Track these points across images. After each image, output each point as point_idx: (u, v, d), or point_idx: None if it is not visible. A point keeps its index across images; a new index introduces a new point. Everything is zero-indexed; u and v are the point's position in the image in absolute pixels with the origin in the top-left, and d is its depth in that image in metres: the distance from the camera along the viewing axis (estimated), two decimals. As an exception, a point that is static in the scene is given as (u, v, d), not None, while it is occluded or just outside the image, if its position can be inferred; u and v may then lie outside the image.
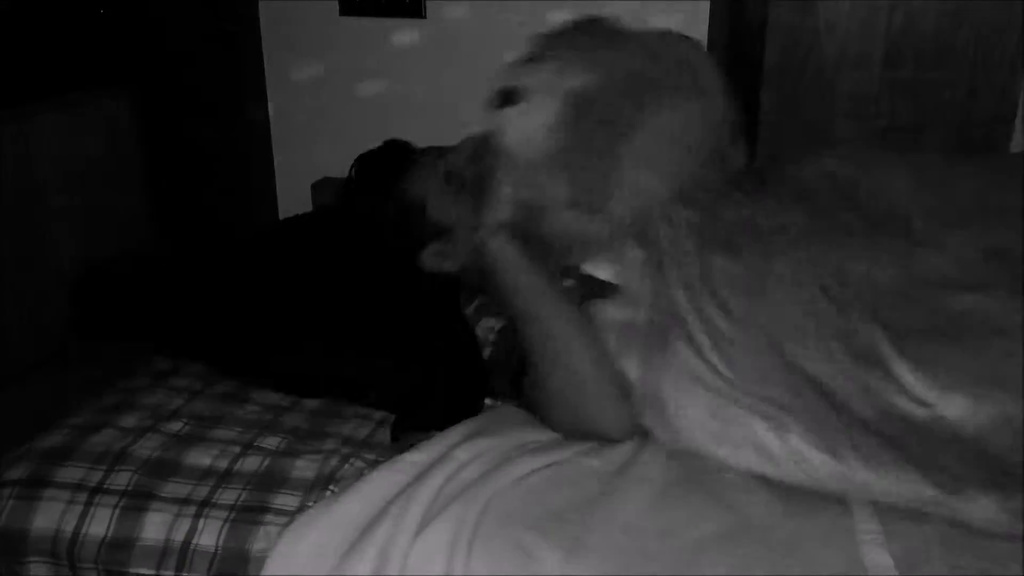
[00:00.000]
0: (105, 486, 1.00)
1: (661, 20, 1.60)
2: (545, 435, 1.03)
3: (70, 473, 1.01)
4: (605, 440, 1.00)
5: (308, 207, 1.79)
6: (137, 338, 1.21)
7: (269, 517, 0.97)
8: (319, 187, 1.85)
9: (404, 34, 1.76)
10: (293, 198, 1.90)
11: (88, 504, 0.99)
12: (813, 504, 0.88)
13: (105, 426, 1.09)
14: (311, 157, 1.89)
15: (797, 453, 0.89)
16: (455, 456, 0.96)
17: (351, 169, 1.34)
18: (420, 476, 0.95)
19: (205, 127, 1.94)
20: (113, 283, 1.23)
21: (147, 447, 1.05)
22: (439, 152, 1.28)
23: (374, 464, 1.02)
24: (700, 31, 1.60)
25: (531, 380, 1.06)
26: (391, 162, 1.29)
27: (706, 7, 1.59)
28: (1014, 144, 1.66)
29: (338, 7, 1.77)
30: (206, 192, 1.98)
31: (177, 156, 1.96)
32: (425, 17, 1.73)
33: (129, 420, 1.11)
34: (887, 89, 1.70)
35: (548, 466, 0.95)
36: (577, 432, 1.01)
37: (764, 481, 0.91)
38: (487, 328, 1.16)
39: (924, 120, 1.70)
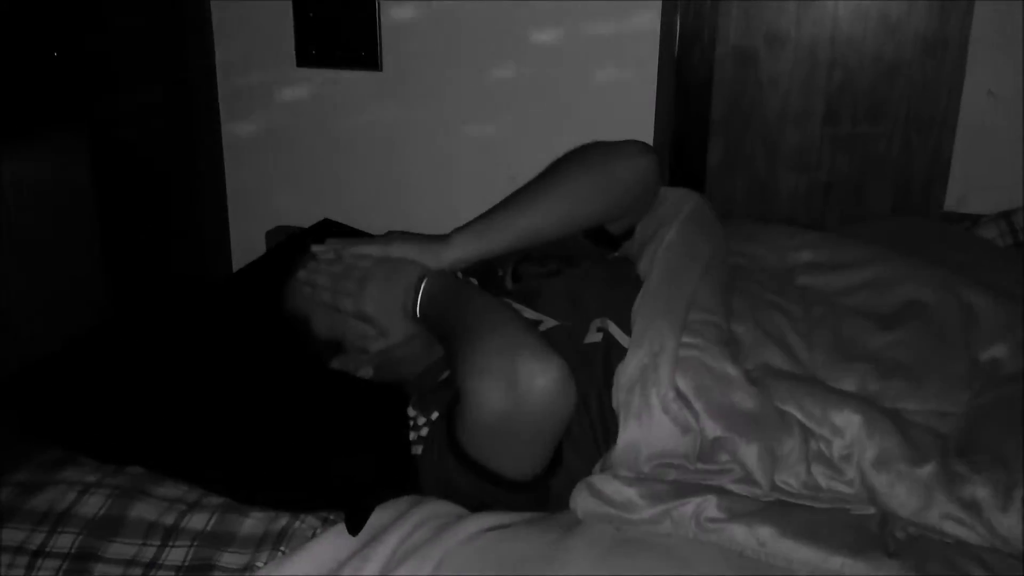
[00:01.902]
0: (48, 549, 0.99)
1: (611, 77, 1.65)
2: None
3: (10, 535, 0.99)
4: (541, 393, 0.89)
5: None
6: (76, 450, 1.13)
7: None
8: (273, 235, 1.85)
9: (360, 86, 1.78)
10: (247, 245, 1.90)
11: (29, 568, 0.97)
12: (759, 562, 0.90)
13: (49, 484, 1.07)
14: (265, 205, 1.90)
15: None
16: (409, 517, 0.97)
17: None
18: (375, 537, 0.95)
19: (159, 172, 1.94)
20: (44, 394, 1.15)
21: (91, 504, 1.04)
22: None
23: (325, 522, 1.02)
24: (648, 88, 1.65)
25: (463, 363, 0.94)
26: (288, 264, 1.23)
27: (654, 64, 1.64)
28: (948, 200, 1.73)
29: (295, 58, 1.79)
30: (159, 240, 1.97)
31: (130, 204, 1.95)
32: (381, 70, 1.76)
33: (73, 474, 1.09)
34: (827, 143, 1.77)
35: (500, 526, 0.96)
36: (517, 395, 0.89)
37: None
38: (421, 422, 1.07)
39: (863, 174, 1.77)
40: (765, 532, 0.89)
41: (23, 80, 1.83)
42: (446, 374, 1.12)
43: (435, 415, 1.03)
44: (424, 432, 1.04)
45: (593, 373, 1.05)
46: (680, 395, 0.99)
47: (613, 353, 1.06)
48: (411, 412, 1.08)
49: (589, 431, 1.03)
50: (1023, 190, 1.63)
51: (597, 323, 1.10)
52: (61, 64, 1.87)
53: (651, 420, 0.98)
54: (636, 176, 1.17)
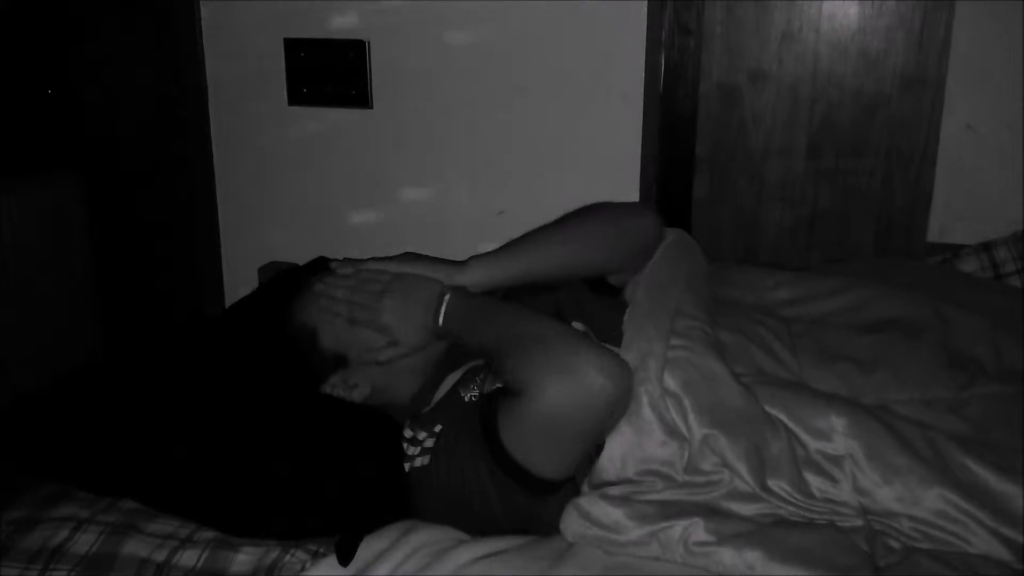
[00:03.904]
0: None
1: (597, 114, 1.69)
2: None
3: (4, 574, 1.00)
4: (604, 391, 0.93)
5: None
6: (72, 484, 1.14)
7: (208, 613, 0.97)
8: (266, 271, 1.87)
9: (351, 123, 1.81)
10: (240, 281, 1.91)
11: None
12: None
13: (42, 521, 1.08)
14: (258, 241, 1.92)
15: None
16: (400, 546, 0.98)
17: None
18: (366, 568, 0.96)
19: (152, 212, 1.96)
20: (39, 427, 1.16)
21: (84, 542, 1.04)
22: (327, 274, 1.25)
23: (315, 555, 1.02)
24: (635, 124, 1.68)
25: (525, 359, 0.98)
26: (285, 288, 1.27)
27: (640, 101, 1.67)
28: (930, 231, 1.76)
29: (286, 97, 1.82)
30: (153, 276, 1.98)
31: (124, 240, 1.97)
32: (372, 108, 1.79)
33: (66, 510, 1.10)
34: (811, 177, 1.80)
35: (491, 554, 0.97)
36: (576, 385, 0.93)
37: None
38: (424, 434, 1.08)
39: (846, 207, 1.80)
40: (753, 556, 0.90)
41: (18, 119, 1.85)
42: (440, 396, 1.15)
43: (439, 427, 1.05)
44: (429, 444, 1.05)
45: None
46: (669, 393, 1.02)
47: None
48: (408, 432, 1.09)
49: None
50: (1002, 221, 1.66)
51: (578, 326, 1.16)
52: (55, 103, 1.90)
53: (639, 419, 1.00)
54: (642, 230, 1.25)
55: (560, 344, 0.97)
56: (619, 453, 1.00)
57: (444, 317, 1.11)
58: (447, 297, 1.12)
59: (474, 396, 1.09)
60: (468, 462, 1.01)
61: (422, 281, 1.15)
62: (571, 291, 1.25)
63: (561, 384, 0.93)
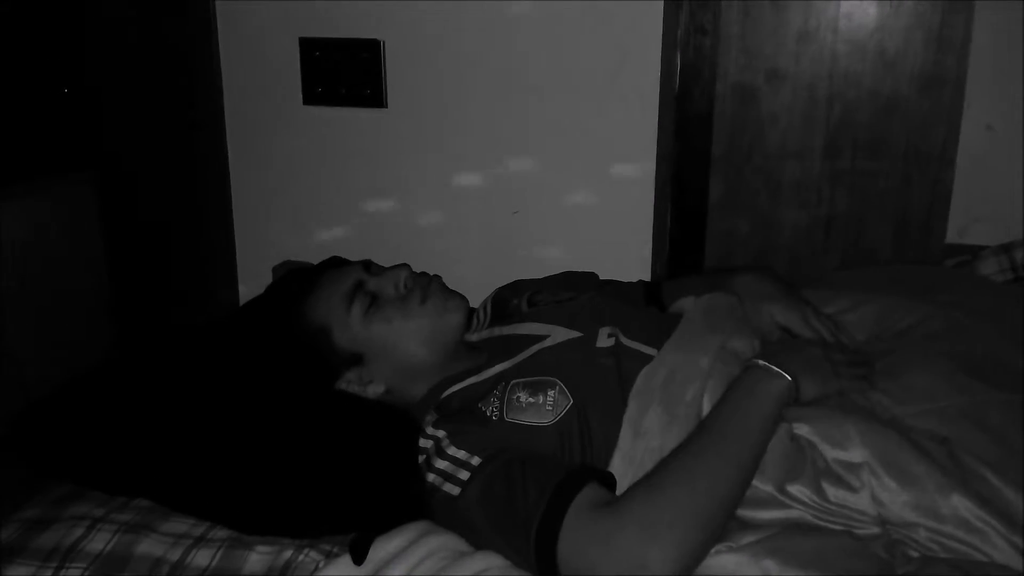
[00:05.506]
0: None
1: (613, 115, 1.68)
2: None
3: (18, 572, 1.00)
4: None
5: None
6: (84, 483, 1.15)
7: (222, 613, 0.97)
8: (279, 269, 1.87)
9: (366, 123, 1.81)
10: (254, 280, 1.92)
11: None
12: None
13: (56, 520, 1.08)
14: (272, 240, 1.92)
15: None
16: (416, 549, 0.98)
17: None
18: (380, 570, 0.96)
19: (166, 211, 1.96)
20: (53, 427, 1.16)
21: (98, 540, 1.04)
22: (339, 272, 1.25)
23: (329, 555, 1.02)
24: (650, 124, 1.67)
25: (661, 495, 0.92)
26: (294, 287, 1.26)
27: (655, 101, 1.66)
28: (950, 233, 1.74)
29: (301, 97, 1.82)
30: (166, 275, 1.99)
31: (138, 240, 1.98)
32: (387, 107, 1.78)
33: (81, 509, 1.10)
34: (827, 178, 1.78)
35: (504, 565, 0.97)
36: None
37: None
38: (458, 458, 1.04)
39: (863, 208, 1.78)
40: (769, 563, 0.90)
41: (33, 118, 1.86)
42: (458, 388, 1.16)
43: (477, 460, 1.01)
44: (463, 476, 1.01)
45: (608, 374, 1.12)
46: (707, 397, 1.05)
47: (624, 357, 1.14)
48: (431, 431, 1.08)
49: (599, 435, 1.06)
50: (1022, 222, 1.65)
51: (607, 330, 1.19)
52: (68, 104, 1.90)
53: (674, 413, 1.03)
54: None
55: (689, 503, 0.90)
56: (641, 437, 1.02)
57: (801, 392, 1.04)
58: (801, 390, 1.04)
59: (495, 412, 1.08)
60: (497, 526, 0.98)
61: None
62: (605, 296, 1.26)
63: (620, 562, 0.88)
